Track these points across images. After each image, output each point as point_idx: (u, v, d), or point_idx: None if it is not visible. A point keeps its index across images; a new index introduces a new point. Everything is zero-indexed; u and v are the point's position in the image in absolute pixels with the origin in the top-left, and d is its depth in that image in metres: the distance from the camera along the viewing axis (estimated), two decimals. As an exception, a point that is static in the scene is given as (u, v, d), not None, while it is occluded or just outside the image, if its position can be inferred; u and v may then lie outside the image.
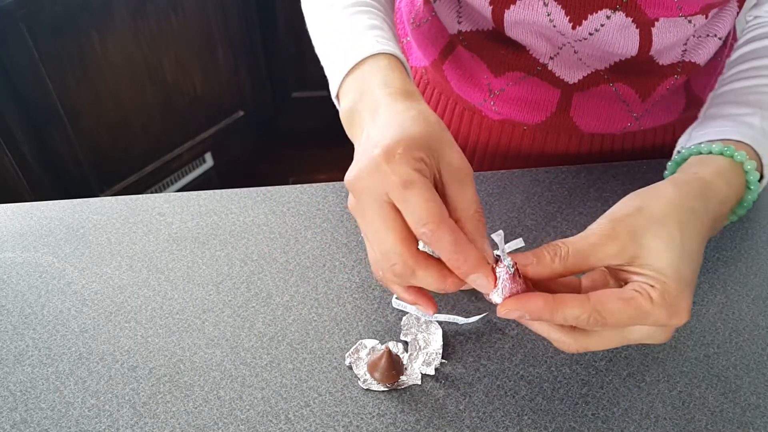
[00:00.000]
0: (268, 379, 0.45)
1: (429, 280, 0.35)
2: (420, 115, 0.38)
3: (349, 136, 0.44)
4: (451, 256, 0.34)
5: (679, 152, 0.48)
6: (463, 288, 0.36)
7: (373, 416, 0.43)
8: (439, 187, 0.37)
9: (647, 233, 0.36)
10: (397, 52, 0.45)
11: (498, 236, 0.35)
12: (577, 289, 0.40)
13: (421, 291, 0.38)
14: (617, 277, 0.38)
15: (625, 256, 0.36)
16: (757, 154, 0.45)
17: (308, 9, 0.54)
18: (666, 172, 0.48)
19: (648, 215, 0.37)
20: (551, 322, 0.36)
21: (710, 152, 0.44)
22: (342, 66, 0.45)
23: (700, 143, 0.45)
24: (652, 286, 0.35)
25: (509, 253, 0.37)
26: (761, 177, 0.45)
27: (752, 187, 0.44)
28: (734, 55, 0.55)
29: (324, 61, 0.49)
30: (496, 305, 0.37)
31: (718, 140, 0.45)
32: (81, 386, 0.45)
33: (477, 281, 0.35)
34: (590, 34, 0.53)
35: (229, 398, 0.44)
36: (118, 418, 0.43)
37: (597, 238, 0.36)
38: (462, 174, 0.37)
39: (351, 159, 0.39)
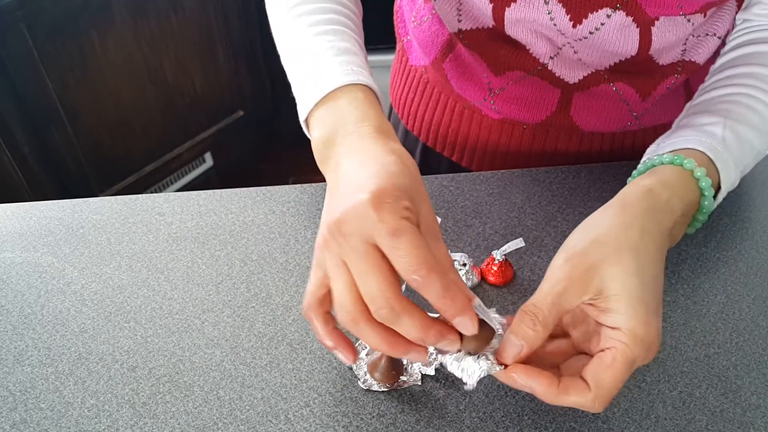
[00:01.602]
0: (267, 379, 0.45)
1: (412, 327, 0.35)
2: (400, 160, 0.38)
3: (321, 168, 0.43)
4: (441, 300, 0.35)
5: (643, 162, 0.48)
6: (438, 344, 0.36)
7: (373, 416, 0.43)
8: None
9: (606, 264, 0.37)
10: (371, 82, 0.45)
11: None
12: (558, 328, 0.41)
13: (342, 337, 0.39)
14: (592, 307, 0.38)
15: (591, 292, 0.37)
16: (712, 162, 0.45)
17: (274, 19, 0.53)
18: (628, 179, 0.47)
19: (602, 246, 0.38)
20: (552, 403, 0.37)
21: (661, 162, 0.45)
22: (314, 92, 0.44)
23: (659, 155, 0.46)
24: (623, 342, 0.36)
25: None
26: (720, 185, 0.45)
27: (705, 193, 0.44)
28: (718, 62, 0.54)
29: (292, 80, 0.48)
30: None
31: (675, 150, 0.46)
32: (81, 386, 0.45)
33: (462, 323, 0.35)
34: (590, 32, 0.53)
35: (228, 398, 0.44)
36: (118, 418, 0.43)
37: (563, 286, 0.37)
38: (436, 230, 0.37)
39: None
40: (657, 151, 0.48)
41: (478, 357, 0.38)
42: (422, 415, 0.43)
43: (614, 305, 0.37)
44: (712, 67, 0.55)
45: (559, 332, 0.42)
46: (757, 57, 0.51)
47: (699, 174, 0.44)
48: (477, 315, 0.36)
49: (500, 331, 0.38)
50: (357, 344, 0.47)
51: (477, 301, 0.37)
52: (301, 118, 0.46)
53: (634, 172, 0.47)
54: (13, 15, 1.38)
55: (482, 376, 0.38)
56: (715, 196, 0.46)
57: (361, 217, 0.35)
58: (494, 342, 0.39)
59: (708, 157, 0.45)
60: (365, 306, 0.36)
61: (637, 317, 0.36)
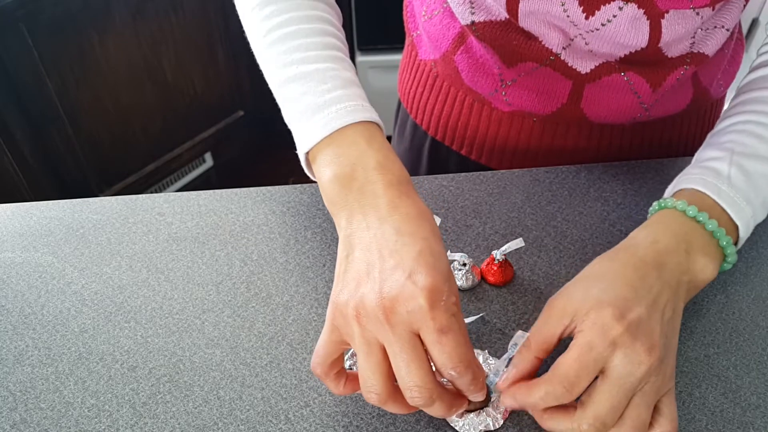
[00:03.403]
0: (268, 379, 0.45)
1: (441, 410, 0.37)
2: (435, 232, 0.38)
3: (333, 210, 0.42)
4: (467, 390, 0.37)
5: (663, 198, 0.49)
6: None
7: (373, 416, 0.43)
8: None
9: (578, 290, 0.41)
10: (377, 118, 0.44)
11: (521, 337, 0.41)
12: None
13: (355, 382, 0.40)
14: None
15: (568, 316, 0.40)
16: (716, 202, 0.45)
17: (253, 39, 0.52)
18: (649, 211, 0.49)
19: (581, 280, 0.42)
20: (533, 404, 0.38)
21: (666, 207, 0.46)
22: (321, 126, 0.42)
23: (666, 198, 0.48)
24: (580, 329, 0.38)
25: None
26: (734, 223, 0.45)
27: (699, 218, 0.44)
28: (742, 82, 0.55)
29: (288, 108, 0.46)
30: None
31: (681, 190, 0.47)
32: (81, 386, 0.45)
33: (475, 398, 0.38)
34: (602, 24, 0.54)
35: (229, 398, 0.44)
36: (118, 418, 0.43)
37: (542, 317, 0.41)
38: (458, 306, 0.38)
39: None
40: (673, 187, 0.49)
41: (480, 412, 0.42)
42: (422, 415, 0.43)
43: (579, 307, 0.39)
44: (738, 86, 0.56)
45: None
46: (764, 80, 0.53)
47: (676, 203, 0.45)
48: (487, 387, 0.39)
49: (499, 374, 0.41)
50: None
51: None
52: (303, 151, 0.44)
53: (650, 209, 0.49)
54: (13, 15, 1.38)
55: (482, 430, 0.41)
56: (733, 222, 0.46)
57: (414, 310, 0.34)
58: (494, 396, 0.43)
59: (712, 199, 0.46)
60: (394, 387, 0.37)
61: (594, 307, 0.38)
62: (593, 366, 0.37)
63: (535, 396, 0.37)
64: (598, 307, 0.38)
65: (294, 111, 0.45)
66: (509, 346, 0.42)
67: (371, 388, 0.37)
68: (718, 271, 0.45)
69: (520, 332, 0.41)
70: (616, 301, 0.38)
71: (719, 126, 0.53)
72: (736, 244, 0.46)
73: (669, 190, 0.49)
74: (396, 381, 0.36)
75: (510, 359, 0.41)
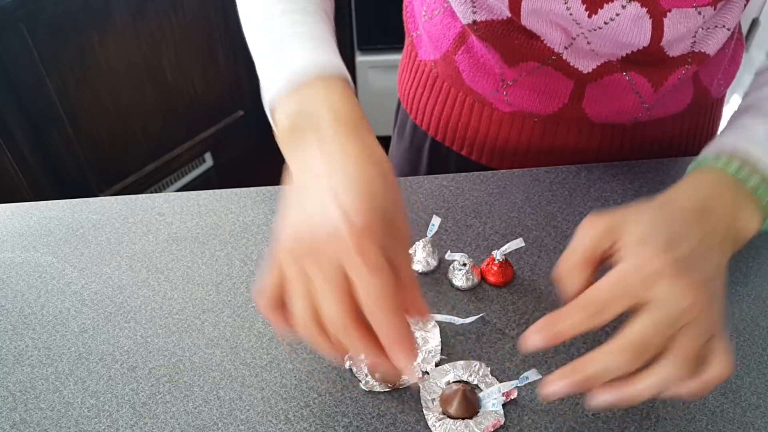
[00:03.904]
0: (267, 379, 0.45)
1: (361, 351, 0.36)
2: (381, 173, 0.37)
3: (285, 152, 0.42)
4: (390, 343, 0.35)
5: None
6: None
7: (374, 416, 0.43)
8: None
9: (625, 221, 0.39)
10: (341, 67, 0.43)
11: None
12: None
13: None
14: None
15: (609, 240, 0.39)
16: (751, 160, 0.44)
17: (241, 4, 0.52)
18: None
19: (623, 212, 0.40)
20: (564, 329, 0.36)
21: (704, 165, 0.45)
22: (282, 77, 0.43)
23: (704, 157, 0.47)
24: (623, 254, 0.37)
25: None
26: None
27: (742, 178, 0.43)
28: (765, 64, 0.55)
29: (258, 59, 0.47)
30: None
31: (712, 152, 0.46)
32: (80, 386, 0.45)
33: (400, 363, 0.36)
34: (605, 23, 0.54)
35: (228, 398, 0.44)
36: (118, 418, 0.43)
37: (584, 231, 0.40)
38: (405, 241, 0.38)
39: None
40: (707, 149, 0.48)
41: (463, 421, 0.42)
42: (422, 416, 0.43)
43: (623, 241, 0.38)
44: (758, 68, 0.55)
45: None
46: None
47: (722, 164, 0.44)
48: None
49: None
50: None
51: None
52: (266, 98, 0.44)
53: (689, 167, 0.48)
54: (13, 15, 1.38)
55: None
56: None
57: (339, 245, 0.34)
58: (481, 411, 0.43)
59: (748, 156, 0.44)
60: (322, 321, 0.36)
61: (637, 237, 0.37)
62: (628, 293, 0.35)
63: (561, 324, 0.36)
64: (646, 237, 0.37)
65: (259, 63, 0.47)
66: (520, 378, 0.41)
67: (299, 319, 0.37)
68: (762, 223, 0.43)
69: (534, 370, 0.41)
70: (665, 235, 0.37)
71: (753, 95, 0.51)
72: None
73: (705, 152, 0.47)
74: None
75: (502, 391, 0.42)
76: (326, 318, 0.35)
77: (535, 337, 0.37)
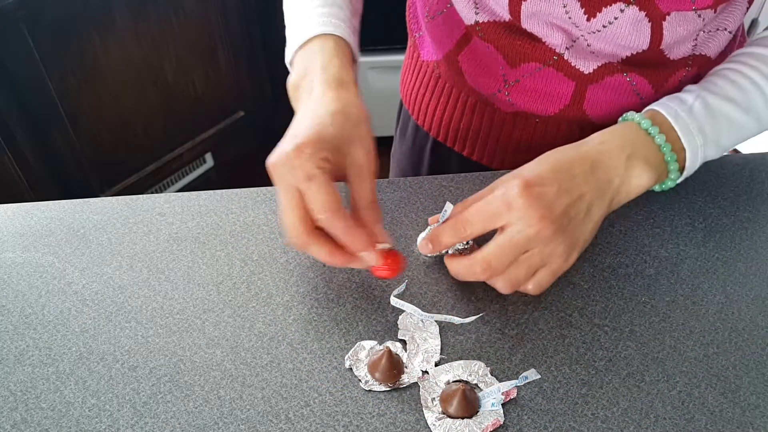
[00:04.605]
0: (268, 378, 0.45)
1: (320, 254, 0.44)
2: (342, 111, 0.45)
3: (293, 105, 0.51)
4: (343, 239, 0.44)
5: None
6: (349, 265, 0.46)
7: (374, 416, 0.43)
8: (344, 180, 0.46)
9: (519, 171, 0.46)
10: (345, 32, 0.52)
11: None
12: None
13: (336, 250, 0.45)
14: None
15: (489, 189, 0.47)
16: (668, 121, 0.50)
17: None
18: None
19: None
20: (441, 242, 0.47)
21: (626, 120, 0.52)
22: (295, 39, 0.52)
23: (630, 113, 0.53)
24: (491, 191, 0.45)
25: None
26: (681, 145, 0.50)
27: (655, 137, 0.49)
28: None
29: (286, 25, 0.56)
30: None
31: (648, 110, 0.53)
32: (81, 386, 0.45)
33: (365, 257, 0.44)
34: (603, 26, 0.54)
35: (229, 398, 0.44)
36: (119, 417, 0.43)
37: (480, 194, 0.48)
38: (362, 170, 0.45)
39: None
40: (646, 109, 0.54)
41: (464, 421, 0.42)
42: (422, 415, 0.43)
43: (504, 178, 0.46)
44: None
45: None
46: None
47: (630, 115, 0.51)
48: (380, 252, 0.45)
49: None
50: (355, 346, 0.47)
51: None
52: (287, 61, 0.55)
53: None
54: (14, 16, 1.38)
55: None
56: (682, 169, 0.51)
57: (285, 163, 0.43)
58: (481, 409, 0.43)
59: (662, 115, 0.51)
60: (307, 230, 0.44)
61: (508, 176, 0.46)
62: (487, 217, 0.44)
63: (442, 235, 0.46)
64: (513, 177, 0.45)
65: (286, 29, 0.56)
66: (519, 377, 0.43)
67: (283, 226, 0.45)
68: (654, 183, 0.50)
69: (533, 370, 0.43)
70: (530, 175, 0.44)
71: (705, 78, 0.56)
72: (682, 171, 0.51)
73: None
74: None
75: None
76: (286, 227, 0.44)
77: (424, 247, 0.49)
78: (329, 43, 0.50)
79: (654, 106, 0.52)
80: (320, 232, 0.44)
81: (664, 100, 0.53)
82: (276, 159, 0.44)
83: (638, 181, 0.48)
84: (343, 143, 0.44)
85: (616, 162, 0.47)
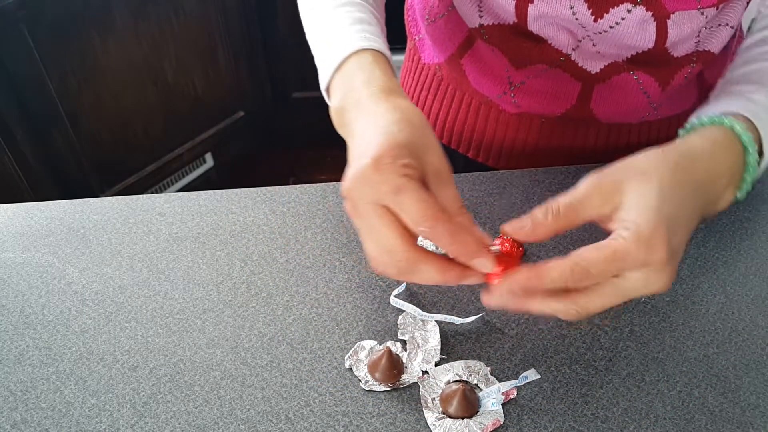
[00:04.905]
0: (268, 378, 0.45)
1: (431, 273, 0.37)
2: (403, 117, 0.40)
3: (340, 133, 0.46)
4: (452, 246, 0.37)
5: (685, 128, 0.48)
6: (464, 282, 0.38)
7: (374, 416, 0.43)
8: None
9: (629, 182, 0.38)
10: (381, 46, 0.47)
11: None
12: None
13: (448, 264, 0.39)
14: (606, 230, 0.39)
15: (609, 207, 0.38)
16: (756, 127, 0.45)
17: (300, 2, 0.56)
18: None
19: (631, 167, 0.39)
20: (540, 288, 0.37)
21: (702, 124, 0.45)
22: (329, 63, 0.47)
23: (699, 118, 0.46)
24: (626, 228, 0.36)
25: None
26: (762, 152, 0.45)
27: (750, 150, 0.44)
28: (745, 43, 0.55)
29: (314, 54, 0.51)
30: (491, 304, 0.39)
31: (717, 114, 0.46)
32: (81, 386, 0.45)
33: (479, 264, 0.37)
34: (611, 27, 0.54)
35: (229, 398, 0.44)
36: (119, 417, 0.43)
37: (584, 190, 0.38)
38: (442, 175, 0.39)
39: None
40: (698, 116, 0.48)
41: (463, 421, 0.42)
42: (422, 415, 0.43)
43: (626, 212, 0.37)
44: (740, 47, 0.56)
45: None
46: None
47: (739, 129, 0.43)
48: (492, 253, 0.38)
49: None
50: (356, 346, 0.47)
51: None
52: (322, 88, 0.49)
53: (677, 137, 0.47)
54: (14, 16, 1.38)
55: None
56: (759, 163, 0.45)
57: (365, 181, 0.37)
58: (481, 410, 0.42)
59: (751, 121, 0.45)
60: (408, 252, 0.38)
61: (646, 217, 0.36)
62: (616, 271, 0.37)
63: (548, 279, 0.36)
64: (651, 220, 0.36)
65: (315, 58, 0.51)
66: (519, 377, 0.42)
67: (370, 260, 0.39)
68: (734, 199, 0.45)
69: (533, 370, 0.42)
70: (668, 220, 0.37)
71: (737, 71, 0.52)
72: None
73: (706, 112, 0.48)
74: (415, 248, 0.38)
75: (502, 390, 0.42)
76: (385, 253, 0.38)
77: (508, 287, 0.38)
78: (367, 58, 0.46)
79: (732, 108, 0.46)
80: (426, 249, 0.38)
81: (734, 100, 0.47)
82: (351, 182, 0.38)
83: (723, 206, 0.44)
84: (417, 148, 0.39)
85: (720, 186, 0.43)
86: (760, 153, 0.45)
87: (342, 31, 0.48)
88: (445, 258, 0.38)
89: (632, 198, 0.37)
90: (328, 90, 0.48)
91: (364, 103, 0.43)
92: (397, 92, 0.43)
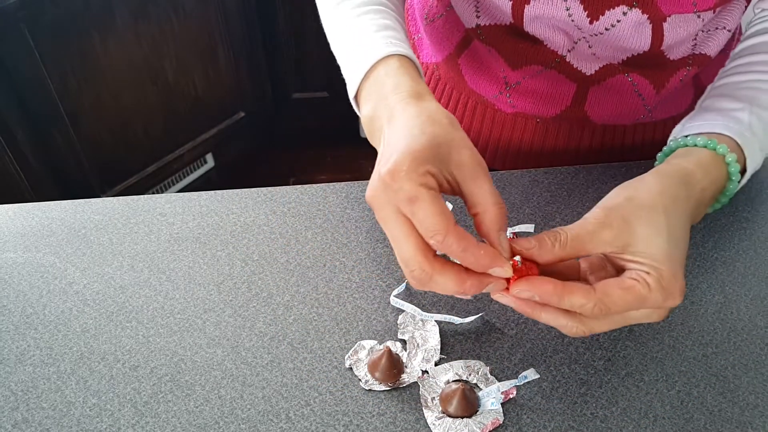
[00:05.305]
0: (268, 378, 0.45)
1: (448, 284, 0.37)
2: (429, 119, 0.40)
3: (371, 142, 0.46)
4: (463, 259, 0.37)
5: (669, 143, 0.50)
6: (485, 290, 0.39)
7: (374, 415, 0.43)
8: (456, 188, 0.39)
9: (638, 221, 0.38)
10: (407, 51, 0.47)
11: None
12: (576, 271, 0.42)
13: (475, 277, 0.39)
14: (613, 262, 0.40)
15: (619, 243, 0.38)
16: (740, 148, 0.46)
17: (321, 8, 0.55)
18: (656, 162, 0.49)
19: (637, 204, 0.39)
20: (558, 306, 0.38)
21: (695, 145, 0.46)
22: (357, 71, 0.47)
23: (687, 136, 0.48)
24: (647, 273, 0.37)
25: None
26: (744, 169, 0.47)
27: (733, 178, 0.46)
28: (738, 48, 0.56)
29: (340, 63, 0.51)
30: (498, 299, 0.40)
31: (704, 133, 0.47)
32: (82, 386, 0.45)
33: (495, 273, 0.38)
34: (606, 29, 0.54)
35: (230, 397, 0.44)
36: (120, 417, 0.43)
37: (593, 226, 0.39)
38: (474, 171, 0.38)
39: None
40: (683, 131, 0.49)
41: (462, 420, 0.42)
42: (422, 415, 0.43)
43: (641, 252, 0.38)
44: (733, 52, 0.56)
45: (574, 277, 0.42)
46: None
47: (730, 159, 0.45)
48: (509, 260, 0.38)
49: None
50: (356, 346, 0.47)
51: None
52: (351, 97, 0.49)
53: (660, 154, 0.49)
54: (15, 16, 1.38)
55: None
56: (740, 180, 0.48)
57: (383, 189, 0.37)
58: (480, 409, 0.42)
59: (736, 142, 0.47)
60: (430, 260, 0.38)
61: (661, 259, 0.37)
62: (634, 307, 0.38)
63: (568, 302, 0.37)
64: (669, 264, 0.38)
65: (342, 67, 0.51)
66: (519, 377, 0.42)
67: (404, 267, 0.38)
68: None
69: (532, 369, 0.42)
70: (680, 259, 0.39)
71: (726, 80, 0.53)
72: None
73: (693, 128, 0.49)
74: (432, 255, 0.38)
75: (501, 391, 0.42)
76: (402, 261, 0.38)
77: (527, 292, 0.38)
78: (393, 63, 0.46)
79: (718, 128, 0.47)
80: (444, 260, 0.38)
81: (720, 119, 0.48)
82: (371, 190, 0.39)
83: (702, 213, 0.46)
84: (442, 150, 0.38)
85: (706, 207, 0.46)
86: (742, 171, 0.47)
87: (368, 38, 0.48)
88: (463, 268, 0.38)
89: (644, 237, 0.38)
90: (357, 98, 0.48)
91: (393, 109, 0.43)
92: (426, 96, 0.43)
